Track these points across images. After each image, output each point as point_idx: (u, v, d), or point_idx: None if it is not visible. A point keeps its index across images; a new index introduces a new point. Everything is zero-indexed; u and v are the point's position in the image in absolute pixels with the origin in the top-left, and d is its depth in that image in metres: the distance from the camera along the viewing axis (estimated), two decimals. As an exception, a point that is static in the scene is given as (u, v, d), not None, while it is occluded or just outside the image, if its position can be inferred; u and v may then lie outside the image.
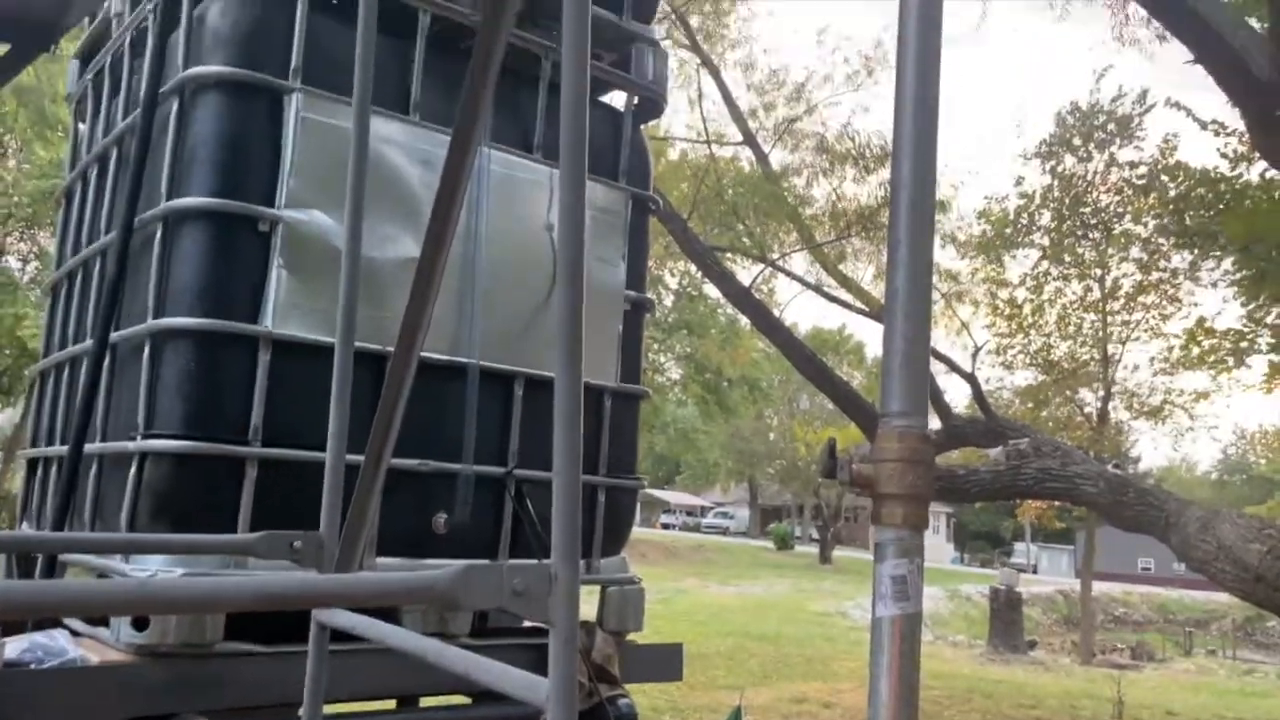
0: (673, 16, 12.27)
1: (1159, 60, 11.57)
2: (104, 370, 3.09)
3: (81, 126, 4.11)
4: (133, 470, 2.77)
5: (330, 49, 2.97)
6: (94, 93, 3.83)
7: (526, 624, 3.21)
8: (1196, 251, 14.24)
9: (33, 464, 3.73)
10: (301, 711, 1.96)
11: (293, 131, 2.89)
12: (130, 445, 2.81)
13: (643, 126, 3.94)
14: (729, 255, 12.97)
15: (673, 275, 21.12)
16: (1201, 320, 15.89)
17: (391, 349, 1.82)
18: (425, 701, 3.35)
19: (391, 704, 3.20)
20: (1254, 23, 8.17)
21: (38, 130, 15.55)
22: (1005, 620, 20.71)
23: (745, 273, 13.32)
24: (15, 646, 2.49)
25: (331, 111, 2.95)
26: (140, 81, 3.19)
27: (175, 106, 2.96)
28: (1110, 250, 17.94)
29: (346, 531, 1.92)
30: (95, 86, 3.82)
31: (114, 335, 3.09)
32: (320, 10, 3.00)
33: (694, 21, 13.09)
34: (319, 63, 2.96)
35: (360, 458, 1.85)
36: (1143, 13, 10.12)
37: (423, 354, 1.85)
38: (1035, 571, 49.78)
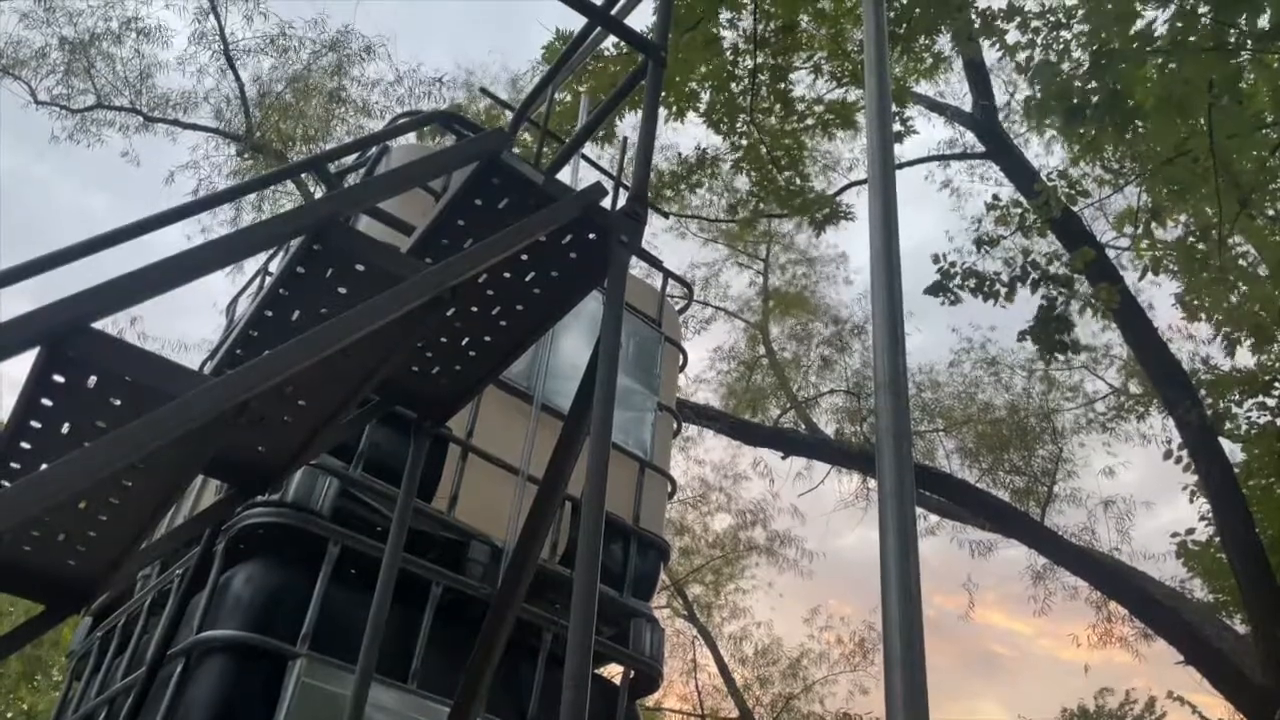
0: (672, 588, 12.64)
1: (1158, 646, 11.59)
2: None
3: (75, 684, 4.08)
4: None
5: (340, 614, 3.08)
6: (99, 650, 3.88)
7: None
8: None
9: None
10: None
11: (289, 697, 2.89)
12: None
13: (638, 702, 3.91)
14: None
15: None
16: None
17: None
18: None
19: None
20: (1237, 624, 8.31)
21: (26, 677, 15.18)
22: None
23: None
24: None
25: (331, 677, 2.96)
26: (149, 642, 3.26)
27: (180, 667, 2.99)
28: None
29: None
30: (102, 644, 3.88)
31: None
32: (337, 579, 3.17)
33: (691, 592, 13.44)
34: (327, 627, 3.06)
35: None
36: (1124, 610, 10.42)
37: None
38: None
